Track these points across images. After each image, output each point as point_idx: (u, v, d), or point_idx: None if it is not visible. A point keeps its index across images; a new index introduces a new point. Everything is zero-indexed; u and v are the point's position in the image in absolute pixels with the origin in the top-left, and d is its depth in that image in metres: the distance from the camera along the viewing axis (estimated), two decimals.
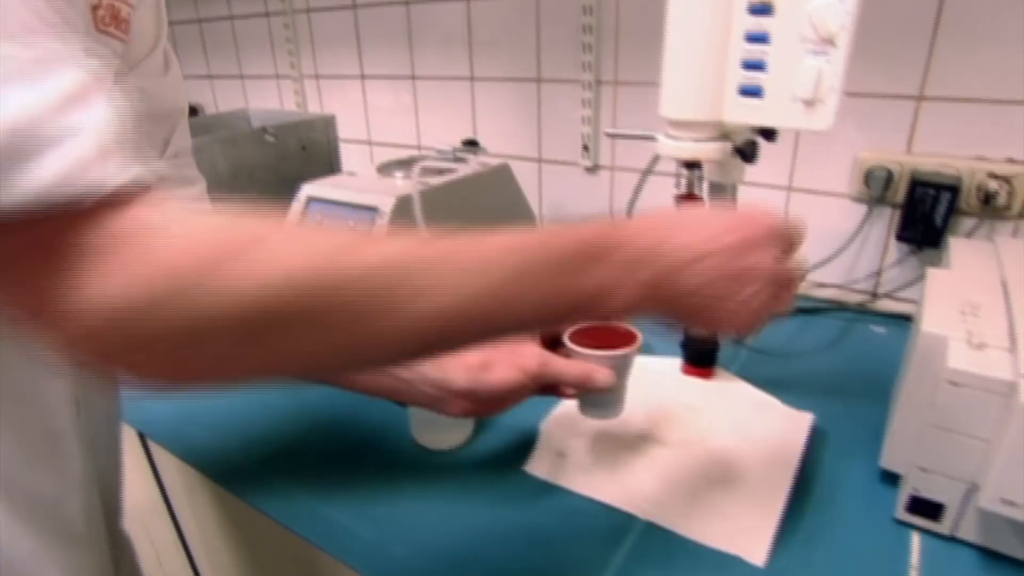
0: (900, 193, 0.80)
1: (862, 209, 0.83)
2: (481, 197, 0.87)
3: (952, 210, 0.76)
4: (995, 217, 0.76)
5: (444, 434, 0.62)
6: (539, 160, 1.12)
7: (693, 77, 0.47)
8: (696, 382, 0.69)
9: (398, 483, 0.58)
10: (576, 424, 0.63)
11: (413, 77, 1.23)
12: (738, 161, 0.52)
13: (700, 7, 0.46)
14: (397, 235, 0.32)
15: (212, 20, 1.54)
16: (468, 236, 0.33)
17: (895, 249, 0.84)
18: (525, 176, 1.06)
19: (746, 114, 0.47)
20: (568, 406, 0.64)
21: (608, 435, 0.62)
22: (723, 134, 0.50)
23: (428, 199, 0.78)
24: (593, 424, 0.63)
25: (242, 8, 1.46)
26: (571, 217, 0.86)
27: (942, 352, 0.47)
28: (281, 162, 0.98)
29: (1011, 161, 0.74)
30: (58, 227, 0.26)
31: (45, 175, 0.25)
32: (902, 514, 0.52)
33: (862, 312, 0.87)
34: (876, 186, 0.80)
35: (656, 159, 0.57)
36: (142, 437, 0.77)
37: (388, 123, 1.32)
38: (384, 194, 0.76)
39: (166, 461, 0.77)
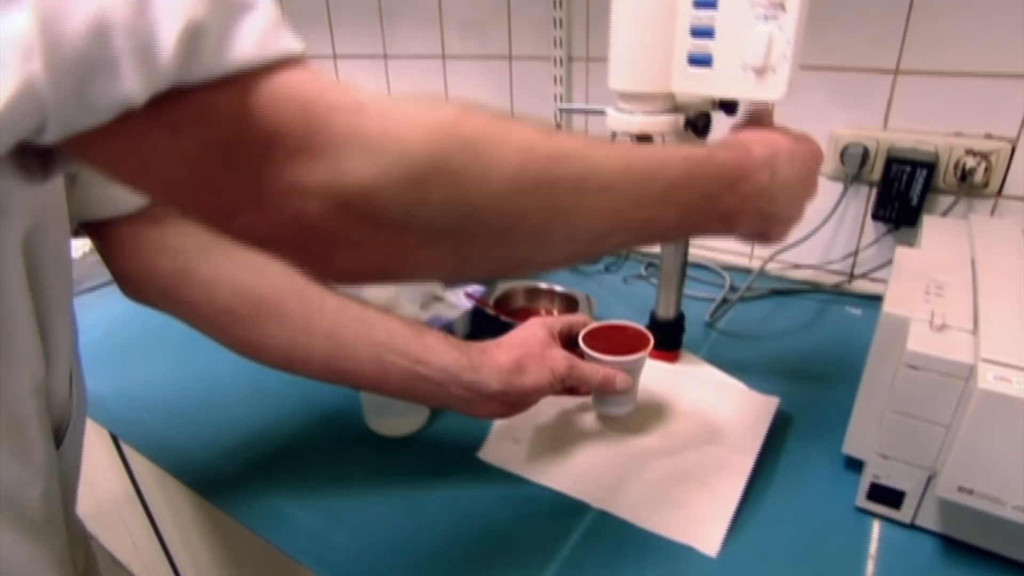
0: (877, 171, 0.77)
1: (838, 188, 0.81)
2: None
3: (928, 188, 0.74)
4: (972, 195, 0.74)
5: (398, 420, 0.60)
6: None
7: (640, 46, 0.45)
8: (660, 365, 0.67)
9: (347, 470, 0.56)
10: (532, 410, 0.61)
11: (385, 56, 1.19)
12: (692, 135, 0.49)
13: None
14: (570, 133, 0.32)
15: None
16: (632, 144, 0.35)
17: (872, 229, 0.82)
18: None
19: (695, 84, 0.44)
20: None
21: (565, 421, 0.60)
22: (674, 107, 0.48)
23: None
24: (550, 410, 0.61)
25: None
26: None
27: (903, 334, 0.45)
28: None
29: (989, 137, 0.72)
30: (263, 101, 0.23)
31: (248, 39, 0.23)
32: (862, 502, 0.50)
33: (838, 294, 0.85)
34: (852, 163, 0.78)
35: (613, 136, 0.55)
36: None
37: None
38: None
39: (135, 452, 0.75)
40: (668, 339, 0.66)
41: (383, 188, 0.25)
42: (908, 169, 0.73)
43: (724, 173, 0.39)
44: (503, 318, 0.72)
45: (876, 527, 0.49)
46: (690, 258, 0.93)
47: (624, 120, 0.48)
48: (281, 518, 0.52)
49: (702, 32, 0.42)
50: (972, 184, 0.72)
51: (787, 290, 0.86)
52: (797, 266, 0.88)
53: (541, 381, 0.51)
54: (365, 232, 0.26)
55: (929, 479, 0.47)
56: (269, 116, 0.24)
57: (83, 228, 0.48)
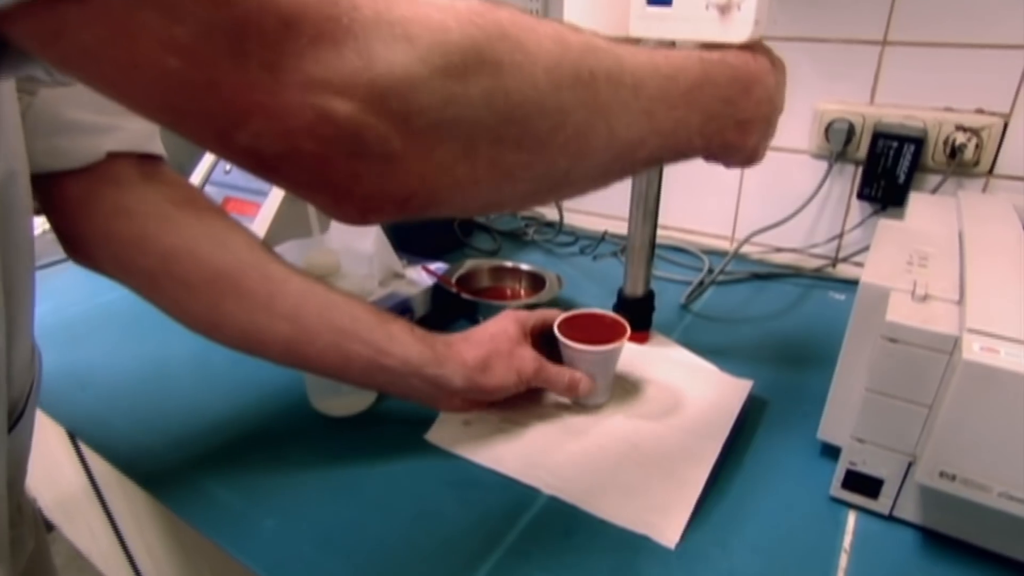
0: (863, 148, 0.73)
1: (822, 166, 0.77)
2: None
3: (916, 165, 0.70)
4: (962, 173, 0.70)
5: (343, 400, 0.56)
6: None
7: None
8: (628, 346, 0.62)
9: (285, 452, 0.52)
10: None
11: None
12: None
13: None
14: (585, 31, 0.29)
15: None
16: (648, 47, 0.32)
17: (857, 210, 0.78)
18: None
19: (655, 27, 0.40)
20: None
21: (521, 404, 0.55)
22: None
23: None
24: None
25: None
26: None
27: (883, 305, 0.41)
28: None
29: (980, 112, 0.68)
30: None
31: None
32: (837, 491, 0.46)
33: (821, 278, 0.81)
34: (837, 140, 0.74)
35: None
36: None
37: None
38: None
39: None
40: (636, 319, 0.62)
41: (420, 79, 0.21)
42: (895, 145, 0.69)
43: (738, 75, 0.37)
44: (465, 296, 0.68)
45: (852, 518, 0.45)
46: (669, 240, 0.90)
47: None
48: (208, 500, 0.47)
49: None
50: (962, 162, 0.68)
51: (768, 274, 0.82)
52: (779, 249, 0.84)
53: (506, 382, 0.50)
54: (399, 138, 0.22)
55: (909, 466, 0.42)
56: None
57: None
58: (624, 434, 0.52)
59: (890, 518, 0.45)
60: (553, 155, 0.27)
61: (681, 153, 0.36)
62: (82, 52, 0.19)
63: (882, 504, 0.45)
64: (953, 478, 0.38)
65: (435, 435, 0.53)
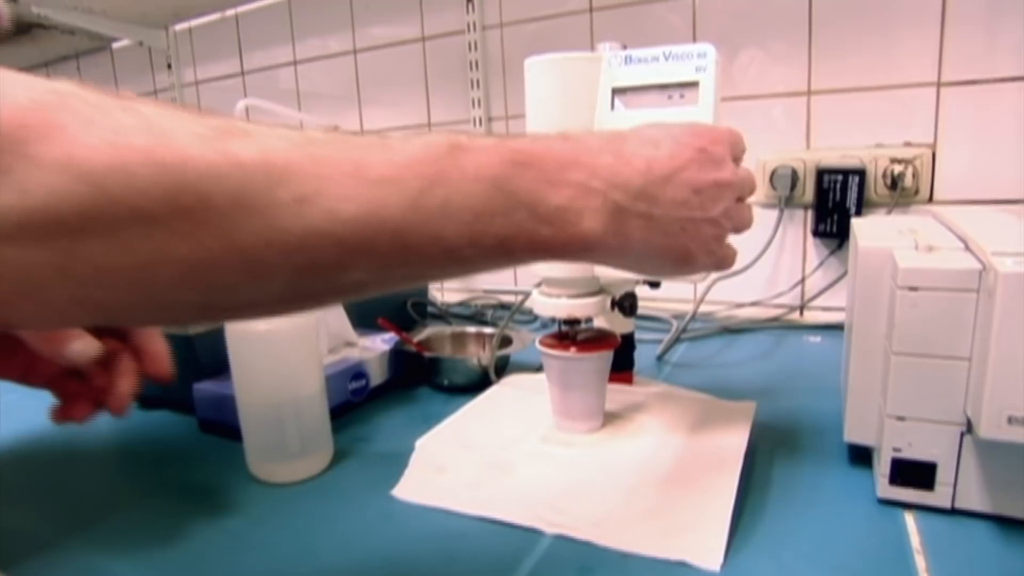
0: (808, 192, 0.76)
1: (773, 214, 0.78)
2: None
3: (863, 195, 0.72)
4: (906, 203, 0.72)
5: (291, 465, 0.46)
6: None
7: None
8: (615, 387, 0.56)
9: (218, 523, 0.41)
10: (462, 436, 0.49)
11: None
12: (620, 316, 0.49)
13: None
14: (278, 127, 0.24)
15: (88, 53, 1.42)
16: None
17: (814, 253, 0.78)
18: None
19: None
20: (451, 422, 0.51)
21: (502, 443, 0.48)
22: (600, 288, 0.47)
23: None
24: (483, 434, 0.49)
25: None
26: None
27: (889, 264, 0.38)
28: None
29: (908, 145, 0.72)
30: None
31: None
32: (885, 489, 0.39)
33: (791, 326, 0.79)
34: (783, 186, 0.76)
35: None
36: None
37: None
38: None
39: None
40: (618, 358, 0.56)
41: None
42: (840, 178, 0.71)
43: (531, 160, 0.28)
44: (427, 355, 0.61)
45: (910, 520, 0.38)
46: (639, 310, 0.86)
47: (551, 304, 0.47)
48: None
49: None
50: (903, 189, 0.71)
51: (738, 328, 0.79)
52: (753, 303, 0.82)
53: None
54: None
55: (962, 436, 0.37)
56: None
57: None
58: (631, 457, 0.44)
59: (953, 512, 0.38)
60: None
61: (458, 261, 0.27)
62: None
63: (941, 495, 0.38)
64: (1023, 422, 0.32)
65: (404, 490, 0.43)
